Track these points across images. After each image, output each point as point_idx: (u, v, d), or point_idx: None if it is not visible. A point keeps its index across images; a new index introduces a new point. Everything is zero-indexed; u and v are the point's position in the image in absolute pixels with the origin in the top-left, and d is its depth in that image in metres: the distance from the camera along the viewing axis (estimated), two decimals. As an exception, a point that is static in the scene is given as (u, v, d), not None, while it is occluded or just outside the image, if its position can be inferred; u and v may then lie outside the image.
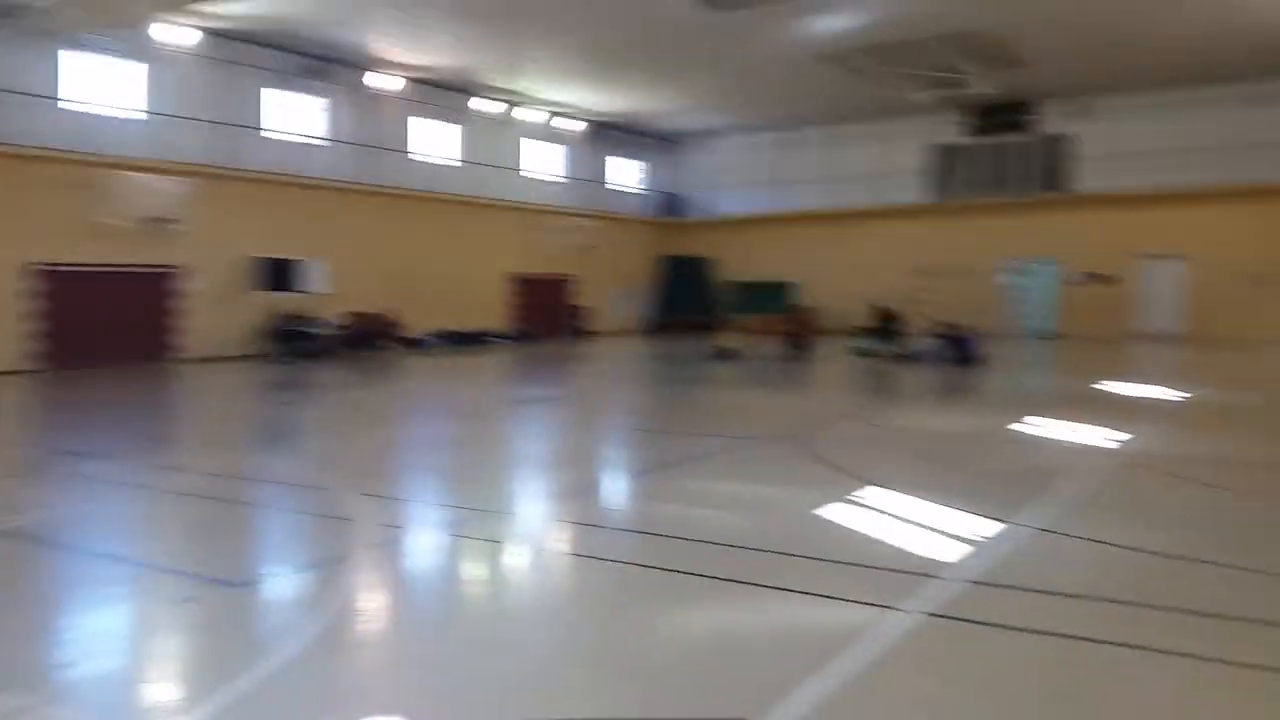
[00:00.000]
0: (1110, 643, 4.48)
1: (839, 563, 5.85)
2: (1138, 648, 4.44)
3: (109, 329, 20.91)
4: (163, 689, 4.27)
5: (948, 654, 4.46)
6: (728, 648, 4.54)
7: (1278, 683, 4.13)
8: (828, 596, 5.23)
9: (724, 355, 22.53)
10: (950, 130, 31.64)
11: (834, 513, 7.15)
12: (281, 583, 5.76)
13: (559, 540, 6.87)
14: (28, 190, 19.45)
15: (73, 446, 10.86)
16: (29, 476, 9.15)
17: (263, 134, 23.91)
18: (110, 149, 20.68)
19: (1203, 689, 4.08)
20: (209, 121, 22.55)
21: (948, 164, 32.02)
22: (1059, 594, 5.23)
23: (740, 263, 35.03)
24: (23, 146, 19.24)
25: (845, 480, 8.41)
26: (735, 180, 35.79)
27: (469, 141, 29.37)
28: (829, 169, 33.63)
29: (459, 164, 29.07)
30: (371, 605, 5.41)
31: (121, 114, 21.19)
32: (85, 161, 20.15)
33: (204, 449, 10.79)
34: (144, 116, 21.50)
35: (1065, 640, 4.52)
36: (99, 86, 20.81)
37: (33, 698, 4.03)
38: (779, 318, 26.72)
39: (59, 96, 20.07)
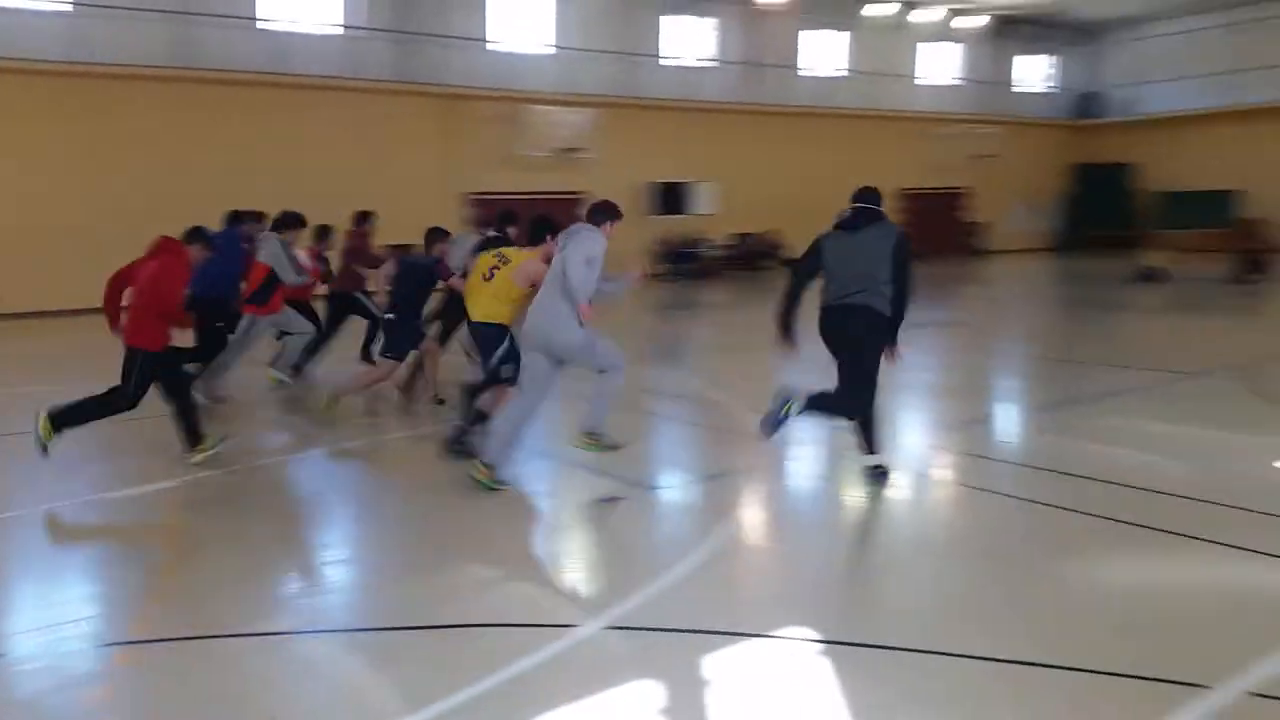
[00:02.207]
0: None
1: (1306, 523, 5.02)
2: None
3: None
4: (605, 575, 4.70)
5: None
6: (1175, 605, 4.07)
7: None
8: (1293, 562, 4.51)
9: (1150, 276, 20.09)
10: None
11: (1296, 463, 6.15)
12: (688, 490, 6.08)
13: (959, 472, 6.57)
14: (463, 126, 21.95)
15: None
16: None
17: (660, 62, 24.89)
18: (528, 85, 22.64)
19: None
20: (614, 53, 23.87)
21: None
22: None
23: (1169, 169, 30.73)
24: (459, 87, 21.68)
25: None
26: (1167, 73, 31.29)
27: (858, 50, 28.41)
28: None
29: (846, 75, 28.27)
30: (770, 519, 5.56)
31: (537, 51, 23.07)
32: (510, 97, 22.26)
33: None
34: (555, 52, 23.23)
35: None
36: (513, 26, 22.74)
37: (502, 570, 4.72)
38: (1223, 233, 23.21)
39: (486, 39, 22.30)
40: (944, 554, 4.96)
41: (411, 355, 8.36)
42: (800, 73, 27.52)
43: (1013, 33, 31.61)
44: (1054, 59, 33.38)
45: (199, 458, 6.41)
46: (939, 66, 30.47)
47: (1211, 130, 29.86)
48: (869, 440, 5.87)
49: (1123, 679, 3.40)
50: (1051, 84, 33.44)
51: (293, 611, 4.24)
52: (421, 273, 8.00)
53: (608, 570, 4.76)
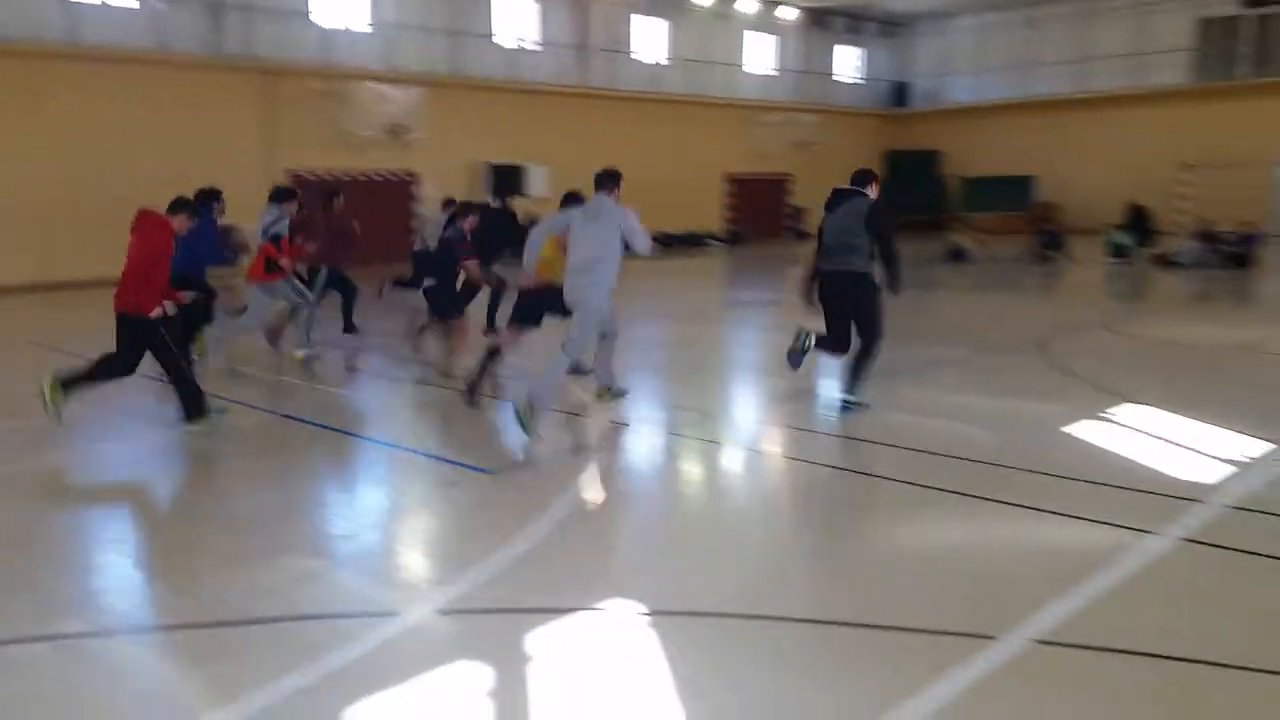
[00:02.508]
0: None
1: (1087, 481, 5.48)
2: None
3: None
4: (437, 561, 4.62)
5: (1204, 583, 4.10)
6: (972, 564, 4.38)
7: None
8: (1076, 517, 4.92)
9: (957, 256, 21.41)
10: (1224, 1, 28.00)
11: (1082, 429, 6.70)
12: (523, 471, 6.06)
13: (783, 445, 6.84)
14: (284, 103, 21.03)
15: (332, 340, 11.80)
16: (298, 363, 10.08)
17: (493, 41, 24.55)
18: (352, 61, 21.88)
19: None
20: (441, 30, 23.37)
21: (1220, 40, 28.42)
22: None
23: (973, 156, 32.76)
24: (278, 62, 20.73)
25: (1093, 394, 7.87)
26: (969, 66, 33.37)
27: (687, 37, 28.89)
28: (1079, 49, 30.68)
29: (670, 62, 28.69)
30: (603, 498, 5.62)
31: (359, 26, 22.31)
32: (334, 74, 21.46)
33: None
34: (379, 28, 22.52)
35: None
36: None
37: (328, 559, 4.56)
38: (1020, 215, 24.91)
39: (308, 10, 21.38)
40: (768, 523, 5.17)
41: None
42: (633, 57, 27.76)
43: (830, 24, 32.87)
44: (867, 51, 34.96)
45: (195, 428, 6.63)
46: (763, 56, 31.36)
47: (1009, 119, 32.02)
48: (854, 380, 7.30)
49: (925, 634, 3.64)
50: (866, 75, 35.01)
51: (94, 610, 3.98)
52: (455, 246, 9.05)
53: (439, 555, 4.70)
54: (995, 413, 7.59)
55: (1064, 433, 6.67)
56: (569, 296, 6.88)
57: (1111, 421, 6.91)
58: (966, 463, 5.92)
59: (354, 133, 21.65)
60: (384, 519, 5.33)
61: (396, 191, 23.13)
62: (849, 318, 7.27)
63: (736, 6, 29.74)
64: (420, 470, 6.15)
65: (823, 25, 32.64)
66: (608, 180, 7.17)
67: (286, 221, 9.63)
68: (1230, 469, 5.66)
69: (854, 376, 7.28)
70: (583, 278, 6.81)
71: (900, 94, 35.28)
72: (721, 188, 30.00)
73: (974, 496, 5.27)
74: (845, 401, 7.32)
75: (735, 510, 5.48)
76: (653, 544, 4.78)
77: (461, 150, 23.72)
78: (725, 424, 7.33)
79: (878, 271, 7.12)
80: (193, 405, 6.64)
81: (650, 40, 28.21)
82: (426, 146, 23.01)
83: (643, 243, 7.06)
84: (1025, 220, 24.31)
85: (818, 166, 32.16)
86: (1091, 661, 3.41)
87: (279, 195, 9.86)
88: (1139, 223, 20.63)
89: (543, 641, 3.57)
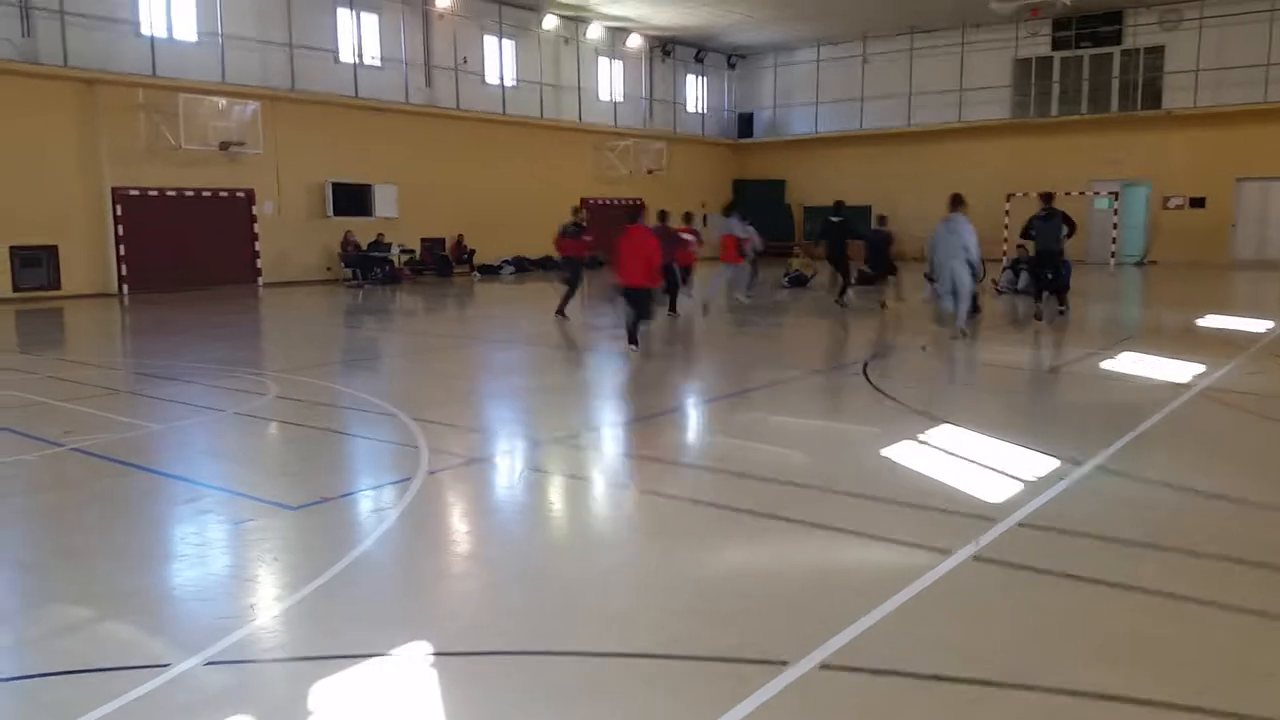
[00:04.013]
0: (1160, 593, 4.24)
1: (896, 503, 5.64)
2: (1189, 600, 4.18)
3: (189, 253, 21.39)
4: (216, 607, 4.32)
5: (988, 601, 4.26)
6: (772, 588, 4.42)
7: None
8: (879, 538, 5.04)
9: (796, 282, 22.05)
10: (1037, 43, 30.05)
11: (897, 451, 6.92)
12: (342, 507, 5.79)
13: (615, 472, 6.80)
14: (107, 115, 19.86)
15: (156, 369, 11.14)
16: (114, 397, 9.42)
17: (337, 57, 23.89)
18: (184, 74, 20.89)
19: (1262, 646, 3.81)
20: (282, 45, 22.60)
21: (1035, 79, 30.47)
22: (1119, 540, 4.95)
23: (813, 185, 33.95)
24: (99, 72, 19.58)
25: (910, 416, 8.16)
26: (808, 98, 34.63)
27: (532, 60, 28.87)
28: (908, 85, 32.28)
29: (528, 84, 28.63)
30: (425, 532, 5.42)
31: (191, 38, 21.34)
32: (162, 85, 20.43)
33: (282, 373, 10.93)
34: (213, 40, 21.59)
35: (1115, 590, 4.29)
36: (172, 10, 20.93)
37: (96, 609, 4.17)
38: (854, 243, 25.88)
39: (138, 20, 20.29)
40: (572, 553, 5.08)
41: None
42: (483, 79, 27.55)
43: (677, 54, 33.56)
44: (714, 81, 35.85)
45: (634, 349, 11.44)
46: (612, 82, 31.70)
47: (845, 150, 33.46)
48: (1063, 299, 14.88)
49: (720, 662, 3.62)
50: (712, 105, 35.87)
51: None
52: (882, 240, 17.90)
53: (220, 600, 4.39)
54: (817, 435, 7.77)
55: (880, 455, 6.87)
56: (940, 271, 12.73)
57: (924, 443, 7.16)
58: (783, 485, 6.01)
59: (184, 148, 20.67)
60: (166, 562, 4.96)
61: (232, 209, 22.19)
62: (1048, 272, 14.41)
63: (584, 32, 29.97)
64: (214, 507, 5.79)
65: (670, 54, 33.26)
66: (958, 202, 12.69)
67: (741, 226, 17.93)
68: (1023, 487, 5.94)
69: (1060, 300, 14.66)
70: (949, 260, 12.43)
71: (746, 124, 36.26)
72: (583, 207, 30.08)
73: (785, 519, 5.34)
74: (1061, 310, 14.63)
75: (540, 541, 5.38)
76: (449, 582, 4.62)
77: (303, 168, 23.01)
78: (546, 452, 7.23)
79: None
80: (631, 336, 11.40)
81: (498, 62, 28.07)
82: (265, 163, 22.21)
83: (975, 253, 12.44)
84: (856, 248, 25.35)
85: (669, 192, 32.70)
86: (866, 684, 3.46)
87: (735, 208, 17.61)
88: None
89: (318, 691, 3.38)
